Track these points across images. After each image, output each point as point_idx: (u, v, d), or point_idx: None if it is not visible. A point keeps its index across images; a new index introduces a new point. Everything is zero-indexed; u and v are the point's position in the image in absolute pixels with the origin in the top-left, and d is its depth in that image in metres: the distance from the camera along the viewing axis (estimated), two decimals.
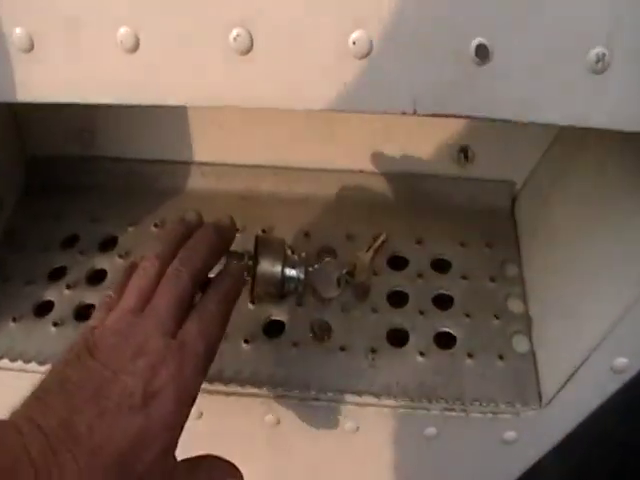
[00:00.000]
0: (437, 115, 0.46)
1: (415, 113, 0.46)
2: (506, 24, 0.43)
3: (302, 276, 0.65)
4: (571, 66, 0.44)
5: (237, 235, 0.61)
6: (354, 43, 0.41)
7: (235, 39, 0.41)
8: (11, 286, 0.73)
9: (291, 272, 0.64)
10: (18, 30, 0.43)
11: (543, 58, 0.44)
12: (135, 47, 0.42)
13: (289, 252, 0.66)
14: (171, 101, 0.45)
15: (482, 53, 0.44)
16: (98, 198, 0.81)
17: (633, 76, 0.45)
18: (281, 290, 0.65)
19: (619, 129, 0.47)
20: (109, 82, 0.45)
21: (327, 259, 0.73)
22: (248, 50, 0.42)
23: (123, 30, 0.42)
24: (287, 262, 0.64)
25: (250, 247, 0.64)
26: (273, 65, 0.43)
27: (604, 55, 0.44)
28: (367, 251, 0.74)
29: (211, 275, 0.54)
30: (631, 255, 0.61)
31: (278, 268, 0.63)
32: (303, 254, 0.67)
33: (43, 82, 0.45)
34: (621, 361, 0.60)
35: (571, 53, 0.44)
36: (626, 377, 0.61)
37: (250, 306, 0.70)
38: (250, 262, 0.62)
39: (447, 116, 0.46)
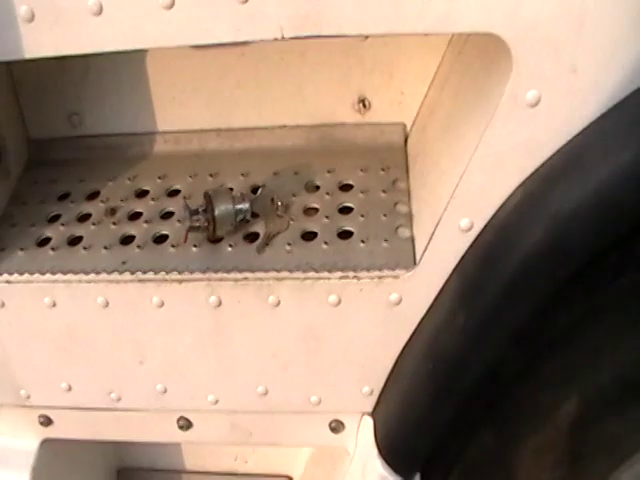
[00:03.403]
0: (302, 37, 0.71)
1: (283, 38, 0.70)
2: None
3: (248, 206, 0.89)
4: None
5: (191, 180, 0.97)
6: None
7: None
8: (18, 229, 0.96)
9: (239, 206, 0.89)
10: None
11: None
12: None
13: (235, 193, 0.91)
14: None
15: None
16: (85, 166, 1.05)
17: None
18: (235, 224, 0.89)
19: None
20: None
21: (261, 188, 0.95)
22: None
23: None
24: (236, 201, 0.88)
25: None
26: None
27: None
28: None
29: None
30: (471, 119, 0.80)
31: (230, 207, 0.88)
32: (244, 191, 0.94)
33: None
34: (466, 221, 0.80)
35: None
36: (472, 235, 0.80)
37: None
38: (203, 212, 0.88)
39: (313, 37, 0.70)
